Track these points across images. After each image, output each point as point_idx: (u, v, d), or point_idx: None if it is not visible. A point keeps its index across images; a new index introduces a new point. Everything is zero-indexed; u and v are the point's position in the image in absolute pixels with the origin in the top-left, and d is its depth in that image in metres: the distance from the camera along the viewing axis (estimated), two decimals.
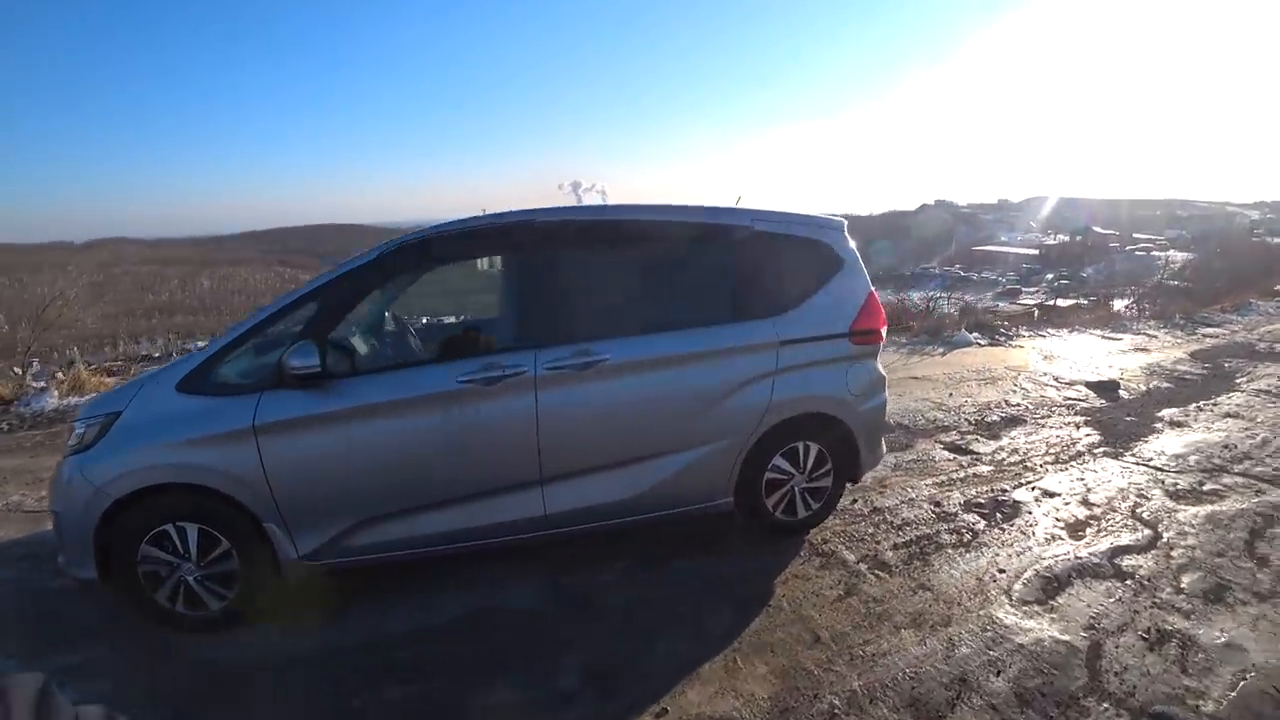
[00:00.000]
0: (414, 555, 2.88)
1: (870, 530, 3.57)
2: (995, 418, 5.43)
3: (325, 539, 2.76)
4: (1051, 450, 4.69)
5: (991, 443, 4.87)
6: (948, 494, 3.98)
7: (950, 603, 2.90)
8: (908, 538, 3.48)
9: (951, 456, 4.61)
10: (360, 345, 3.16)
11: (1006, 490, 4.00)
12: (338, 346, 2.87)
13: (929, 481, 4.17)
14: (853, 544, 3.45)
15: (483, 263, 3.62)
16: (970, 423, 5.32)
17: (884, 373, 3.58)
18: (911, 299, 11.07)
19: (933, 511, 3.75)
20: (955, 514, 3.72)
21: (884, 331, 3.59)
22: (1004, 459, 4.55)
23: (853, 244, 3.57)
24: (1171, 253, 37.58)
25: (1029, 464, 4.43)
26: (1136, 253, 53.26)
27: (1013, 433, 5.09)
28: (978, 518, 3.67)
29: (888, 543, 3.44)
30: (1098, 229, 72.48)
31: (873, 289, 3.54)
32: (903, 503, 3.87)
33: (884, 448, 3.69)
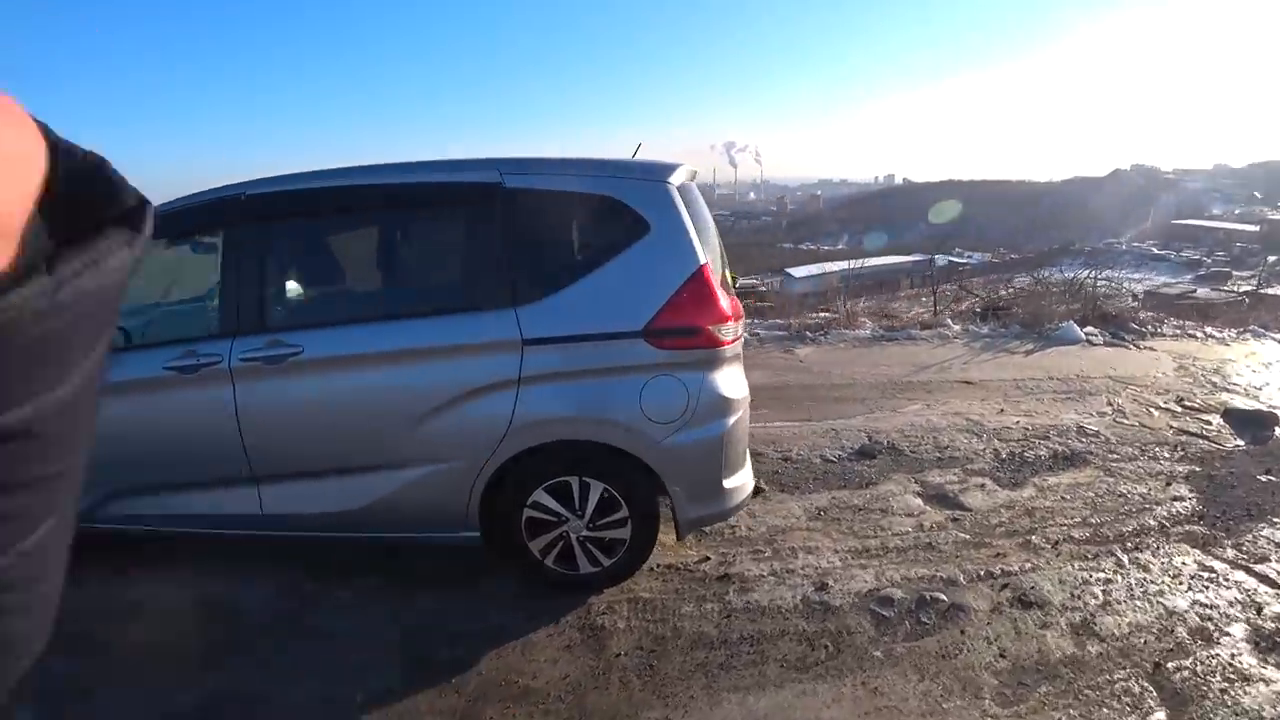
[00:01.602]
0: (165, 531, 2.55)
1: (688, 609, 2.33)
2: (1042, 452, 3.56)
3: (84, 505, 2.39)
4: (1095, 519, 2.87)
5: (1002, 492, 3.13)
6: (857, 571, 2.52)
7: None
8: (730, 633, 2.20)
9: (921, 508, 3.01)
10: None
11: (958, 581, 2.42)
12: None
13: (849, 546, 2.70)
14: (642, 624, 2.25)
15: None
16: (997, 457, 3.53)
17: (732, 391, 2.29)
18: (1046, 278, 8.25)
19: (808, 597, 2.35)
20: (839, 609, 2.29)
21: (726, 330, 2.23)
22: (1000, 523, 2.86)
23: (679, 200, 2.24)
24: None
25: (1035, 539, 2.72)
26: None
27: (1053, 479, 3.26)
28: (869, 625, 2.21)
29: (692, 637, 2.20)
30: None
31: (704, 265, 2.20)
32: (776, 574, 2.51)
33: (735, 496, 2.37)
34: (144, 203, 0.26)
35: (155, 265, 2.75)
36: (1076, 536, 2.72)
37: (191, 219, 2.47)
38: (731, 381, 2.33)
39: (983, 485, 3.21)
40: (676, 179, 2.30)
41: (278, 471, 2.39)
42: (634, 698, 1.95)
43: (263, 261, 2.35)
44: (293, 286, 2.50)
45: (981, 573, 2.46)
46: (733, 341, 2.31)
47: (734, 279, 2.91)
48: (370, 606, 2.42)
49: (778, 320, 6.78)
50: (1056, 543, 2.67)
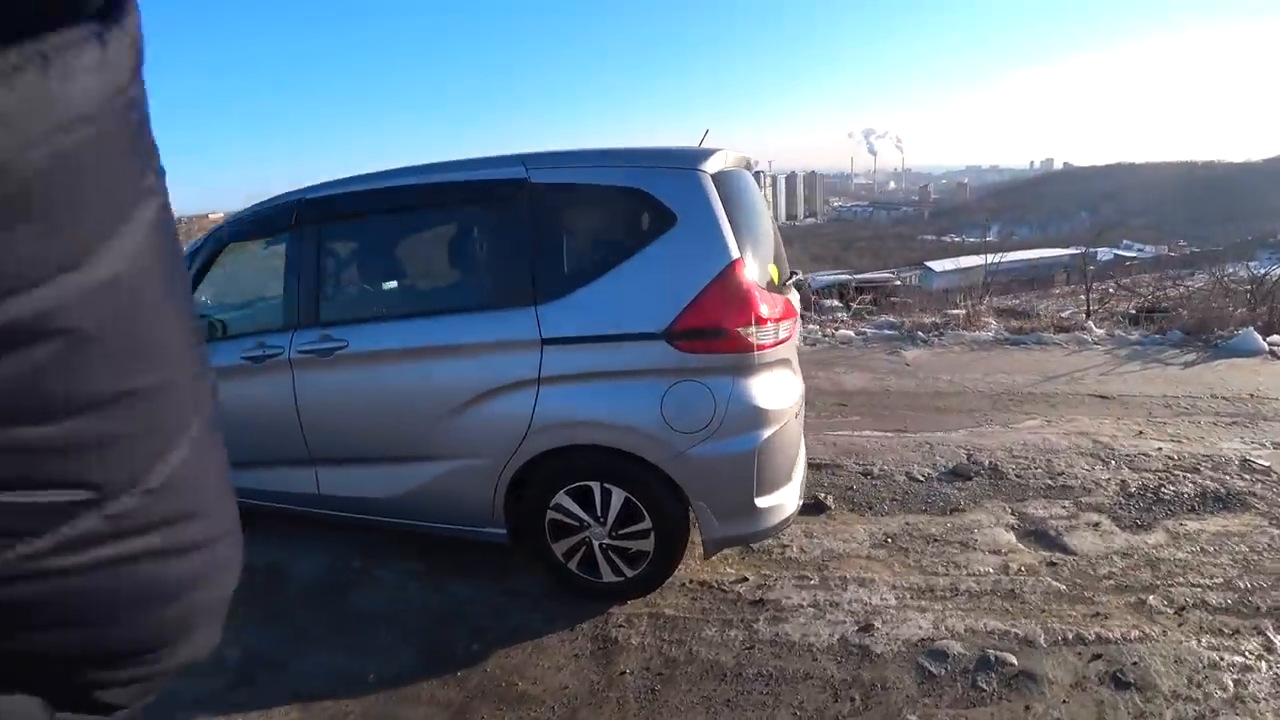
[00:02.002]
0: (242, 503, 2.70)
1: (710, 633, 2.16)
2: (1186, 489, 2.88)
3: None
4: (1245, 581, 2.26)
5: (1121, 535, 2.58)
6: (913, 614, 2.18)
7: None
8: (747, 667, 2.00)
9: (1011, 545, 2.56)
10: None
11: (1037, 642, 2.00)
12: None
13: (910, 583, 2.35)
14: (656, 643, 2.11)
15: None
16: (1123, 490, 2.91)
17: (771, 400, 2.08)
18: (1226, 276, 6.69)
19: (846, 638, 2.08)
20: (880, 657, 1.99)
21: (762, 333, 2.00)
22: (1110, 573, 2.34)
23: (711, 190, 2.04)
24: None
25: (1153, 599, 2.19)
26: None
27: (1194, 524, 2.62)
28: (911, 681, 1.90)
29: (705, 665, 2.02)
30: None
31: (735, 260, 1.98)
32: (818, 605, 2.25)
33: (772, 516, 2.15)
34: None
35: (255, 262, 3.03)
36: (1212, 602, 2.15)
37: (272, 221, 2.67)
38: (771, 390, 2.09)
39: (1097, 524, 2.65)
40: (711, 166, 2.08)
41: (331, 456, 2.53)
42: None
43: (316, 260, 2.47)
44: (340, 284, 2.61)
45: (1070, 635, 2.01)
46: (772, 345, 2.07)
47: (787, 276, 2.62)
48: (406, 590, 2.50)
49: (889, 319, 6.18)
50: (1182, 608, 2.12)
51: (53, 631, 0.26)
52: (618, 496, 2.16)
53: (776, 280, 2.28)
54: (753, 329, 2.00)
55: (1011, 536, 2.61)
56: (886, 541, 2.61)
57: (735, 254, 1.99)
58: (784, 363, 2.24)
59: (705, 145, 3.10)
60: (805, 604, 2.24)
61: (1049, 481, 3.02)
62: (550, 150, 2.29)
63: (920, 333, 5.41)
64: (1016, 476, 3.09)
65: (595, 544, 2.23)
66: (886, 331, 5.56)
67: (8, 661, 0.26)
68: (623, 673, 2.00)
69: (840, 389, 4.67)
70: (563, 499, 2.22)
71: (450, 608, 2.38)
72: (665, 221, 2.03)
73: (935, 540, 2.59)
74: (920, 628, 2.09)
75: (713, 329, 1.99)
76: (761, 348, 2.03)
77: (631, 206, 2.10)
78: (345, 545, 2.76)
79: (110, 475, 0.23)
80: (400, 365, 2.32)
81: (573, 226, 2.23)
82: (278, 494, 2.67)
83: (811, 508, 2.90)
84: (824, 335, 5.96)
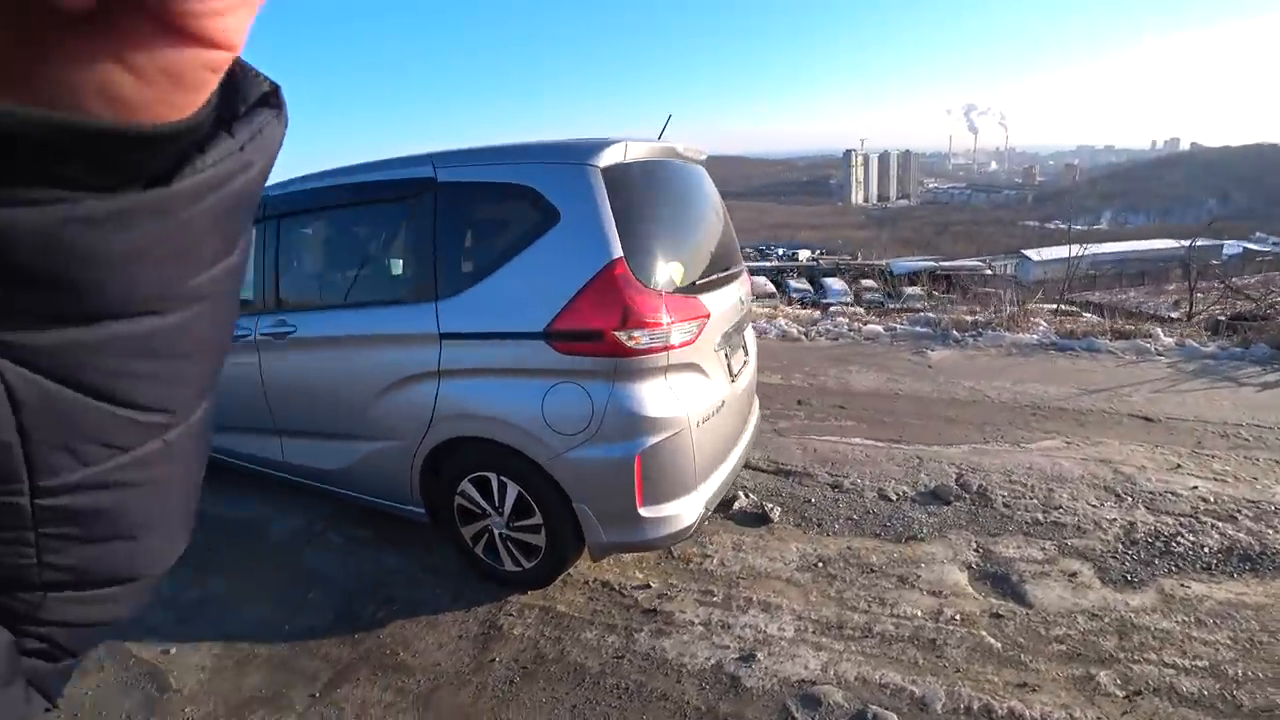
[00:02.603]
0: (230, 464, 3.02)
1: (589, 636, 2.09)
2: (1208, 541, 2.36)
3: None
4: (1238, 669, 1.82)
5: (1098, 591, 2.17)
6: (806, 651, 1.97)
7: None
8: (607, 677, 1.91)
9: (957, 588, 2.23)
10: None
11: (932, 706, 1.73)
12: None
13: (820, 616, 2.13)
14: (536, 636, 2.08)
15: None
16: (1126, 535, 2.45)
17: (657, 408, 1.93)
18: None
19: (722, 665, 1.91)
20: (749, 691, 1.83)
21: (642, 336, 1.83)
22: (1062, 636, 1.97)
23: (598, 185, 1.87)
24: None
25: (1104, 676, 1.82)
26: None
27: (1201, 586, 2.16)
28: None
29: (570, 667, 1.95)
30: None
31: (614, 259, 1.81)
32: (708, 626, 2.09)
33: (660, 527, 2.01)
34: (278, 87, 0.27)
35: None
36: (1183, 690, 1.74)
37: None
38: (659, 396, 1.91)
39: (1074, 574, 2.24)
40: (604, 160, 1.89)
41: (290, 428, 2.68)
42: (475, 707, 1.80)
43: (276, 252, 2.59)
44: (291, 274, 2.69)
45: (976, 705, 1.71)
46: (659, 350, 1.88)
47: (719, 271, 2.36)
48: (350, 555, 2.62)
49: (928, 314, 5.56)
50: (1138, 692, 1.74)
51: (90, 545, 0.28)
52: (512, 490, 2.11)
53: (680, 280, 2.04)
54: (634, 332, 1.82)
55: (963, 577, 2.26)
56: (816, 565, 2.36)
57: (615, 253, 1.81)
58: (689, 367, 2.03)
59: (664, 132, 2.88)
60: (696, 621, 2.08)
61: (1039, 516, 2.59)
62: (461, 149, 2.22)
63: (956, 331, 4.81)
64: (1004, 506, 2.68)
65: (496, 532, 2.20)
66: (919, 329, 4.99)
67: None
68: (493, 660, 1.98)
69: (845, 389, 4.28)
70: (467, 486, 2.20)
71: (376, 576, 2.47)
72: (550, 219, 1.91)
73: (872, 571, 2.31)
74: (807, 667, 1.87)
75: (588, 331, 1.83)
76: (641, 352, 1.84)
77: (522, 204, 1.99)
78: (317, 509, 2.91)
79: (179, 407, 0.28)
80: (335, 351, 2.40)
81: (472, 224, 2.18)
82: (254, 458, 2.88)
83: (755, 518, 2.69)
84: (850, 330, 5.48)
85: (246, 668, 2.00)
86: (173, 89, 0.20)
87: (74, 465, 0.26)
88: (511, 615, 2.16)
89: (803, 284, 30.28)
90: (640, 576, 2.32)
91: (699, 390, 2.07)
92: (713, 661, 1.90)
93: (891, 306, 11.07)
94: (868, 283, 27.82)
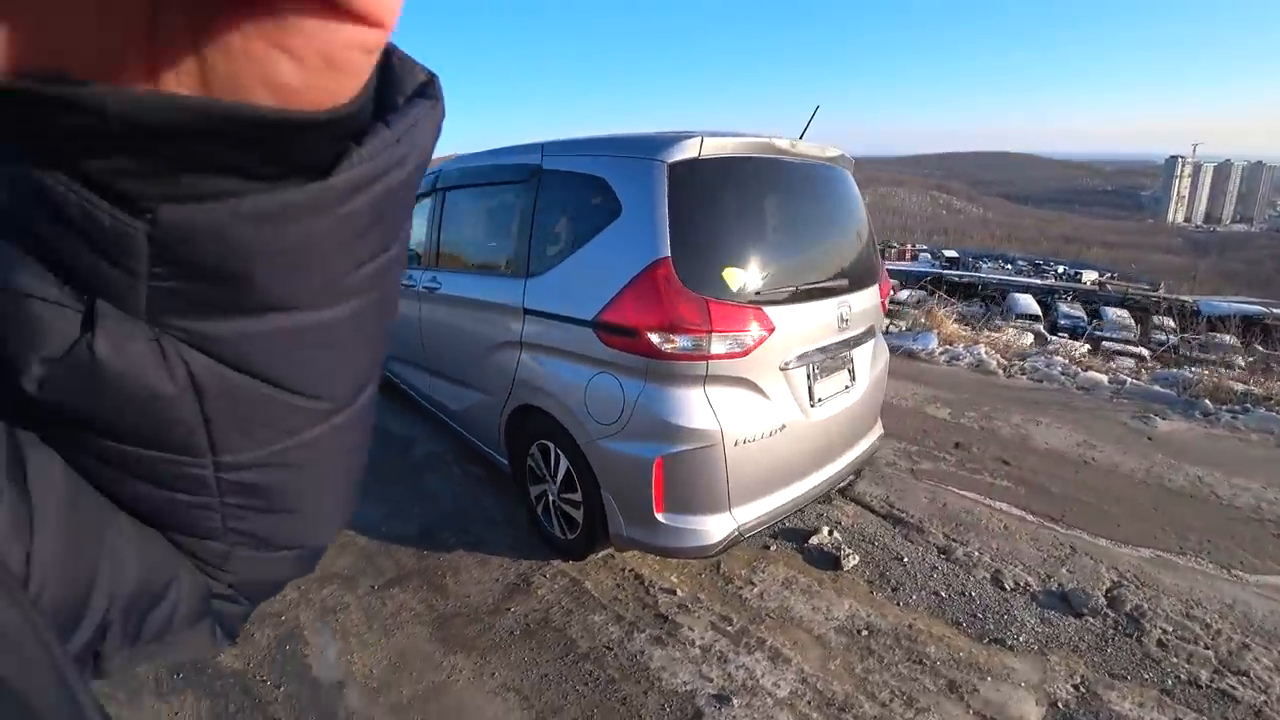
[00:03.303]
0: (401, 388, 3.68)
1: (595, 620, 2.13)
2: None
3: None
4: None
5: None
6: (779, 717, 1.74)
7: None
8: (588, 665, 1.93)
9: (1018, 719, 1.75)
10: None
11: None
12: None
13: (827, 690, 1.86)
14: (552, 603, 2.19)
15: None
16: None
17: (681, 416, 1.87)
18: None
19: (691, 697, 1.80)
20: None
21: (674, 341, 1.79)
22: None
23: (661, 180, 1.86)
24: None
25: None
26: None
27: None
28: None
29: (562, 643, 2.02)
30: None
31: (660, 259, 1.78)
32: (703, 651, 1.98)
33: (678, 537, 1.98)
34: (434, 76, 0.27)
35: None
36: None
37: (424, 183, 3.29)
38: (685, 405, 1.84)
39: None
40: (673, 155, 1.81)
41: (433, 368, 3.15)
42: (474, 642, 1.99)
43: (438, 218, 3.03)
44: (445, 239, 3.07)
45: None
46: (691, 358, 1.80)
47: (806, 283, 2.11)
48: (459, 486, 3.02)
49: (1186, 372, 4.20)
50: None
51: (264, 515, 0.31)
52: (563, 462, 2.21)
53: (742, 289, 1.87)
54: (670, 335, 1.75)
55: (1035, 713, 1.76)
56: (860, 631, 2.04)
57: (661, 253, 1.75)
58: (738, 381, 1.89)
59: (808, 125, 2.63)
60: (699, 643, 1.98)
61: (1203, 674, 1.87)
62: (571, 138, 2.33)
63: (1209, 401, 3.52)
64: (1156, 644, 1.99)
65: (550, 498, 2.34)
66: (1158, 387, 3.75)
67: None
68: (509, 609, 2.15)
69: (1020, 442, 3.49)
70: (535, 450, 2.39)
71: (467, 509, 2.80)
72: (615, 212, 1.93)
73: (921, 662, 1.92)
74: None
75: (627, 327, 1.82)
76: (675, 357, 1.77)
77: (597, 195, 2.03)
78: (451, 442, 3.40)
79: (341, 394, 0.30)
80: (462, 310, 2.74)
81: (562, 210, 2.25)
82: (413, 387, 3.46)
83: (827, 558, 2.42)
84: (1063, 373, 4.36)
85: (344, 551, 2.47)
86: (329, 74, 0.20)
87: (249, 445, 0.28)
88: (545, 577, 2.30)
89: (1076, 310, 25.14)
90: (674, 580, 2.27)
91: (746, 407, 1.92)
92: (688, 688, 1.80)
93: (1186, 354, 8.59)
94: (1160, 319, 21.89)
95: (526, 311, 2.23)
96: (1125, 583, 2.29)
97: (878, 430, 2.72)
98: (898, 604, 2.20)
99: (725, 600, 2.19)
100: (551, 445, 2.26)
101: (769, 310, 1.92)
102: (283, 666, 1.91)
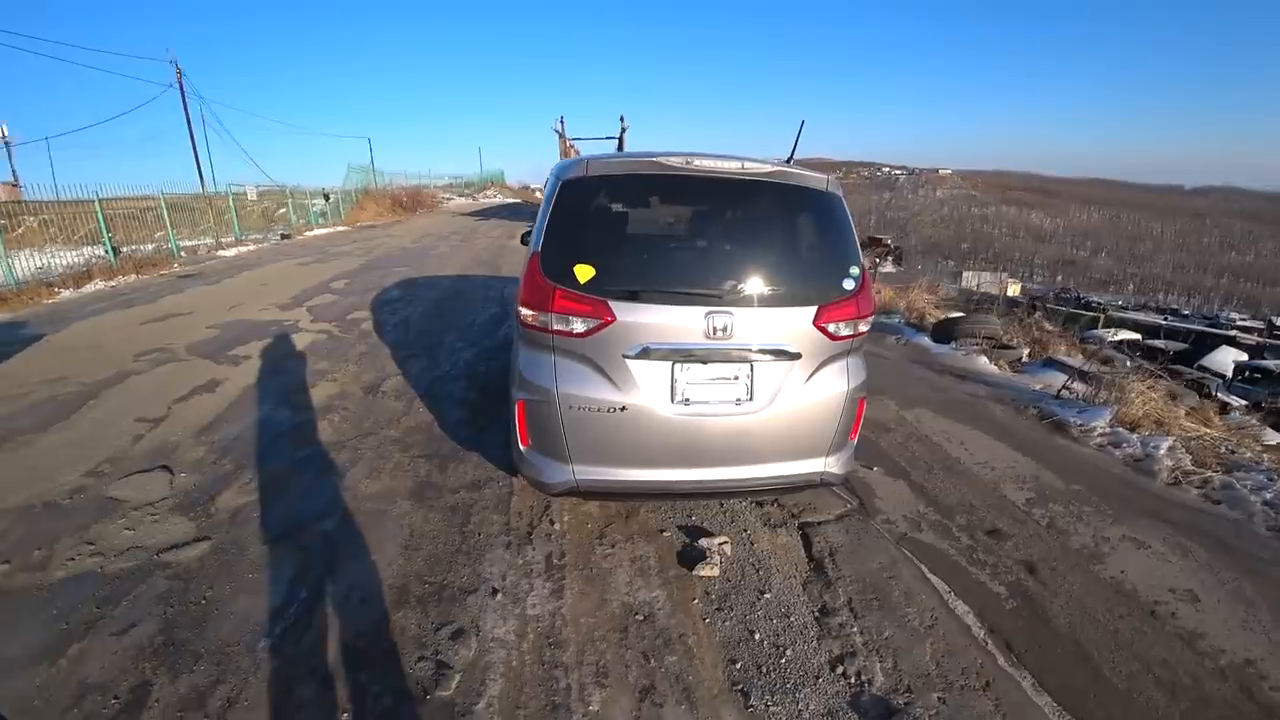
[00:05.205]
0: None
1: (624, 578, 2.75)
2: None
3: None
4: None
5: None
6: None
7: None
8: (605, 607, 2.57)
9: None
10: None
11: None
12: None
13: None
14: (572, 525, 2.89)
15: None
16: None
17: (529, 371, 2.35)
18: None
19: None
20: None
21: (527, 314, 2.31)
22: None
23: (554, 194, 2.37)
24: None
25: None
26: None
27: None
28: None
29: (594, 586, 2.66)
30: None
31: (536, 253, 2.34)
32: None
33: (533, 470, 2.41)
34: None
35: None
36: None
37: None
38: (536, 365, 2.30)
39: None
40: (570, 174, 2.30)
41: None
42: (502, 525, 2.81)
43: None
44: None
45: None
46: (541, 330, 2.24)
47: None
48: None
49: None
50: None
51: None
52: None
53: (590, 282, 2.17)
54: (532, 312, 2.26)
55: None
56: (636, 616, 2.17)
57: (537, 248, 2.23)
58: (578, 357, 2.22)
59: (798, 142, 2.69)
60: (528, 557, 2.45)
61: None
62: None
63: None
64: None
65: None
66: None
67: None
68: (457, 491, 2.93)
69: (1081, 567, 2.57)
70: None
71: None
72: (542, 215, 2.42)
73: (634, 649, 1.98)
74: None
75: (518, 304, 2.34)
76: (531, 327, 2.26)
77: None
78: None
79: None
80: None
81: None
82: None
83: (694, 558, 2.48)
84: (1262, 497, 2.64)
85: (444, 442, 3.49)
86: None
87: None
88: (499, 484, 3.00)
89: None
90: (566, 520, 2.71)
91: (583, 380, 2.22)
92: (489, 573, 2.34)
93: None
94: None
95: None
96: None
97: (820, 464, 2.45)
98: (706, 620, 2.19)
99: (579, 546, 2.54)
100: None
101: (614, 304, 2.13)
102: None
